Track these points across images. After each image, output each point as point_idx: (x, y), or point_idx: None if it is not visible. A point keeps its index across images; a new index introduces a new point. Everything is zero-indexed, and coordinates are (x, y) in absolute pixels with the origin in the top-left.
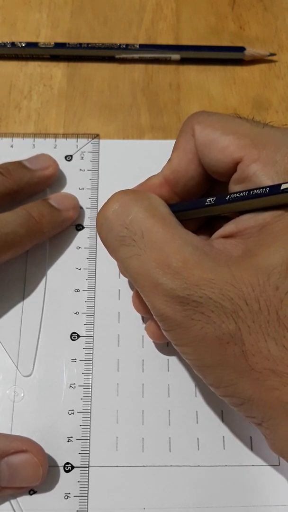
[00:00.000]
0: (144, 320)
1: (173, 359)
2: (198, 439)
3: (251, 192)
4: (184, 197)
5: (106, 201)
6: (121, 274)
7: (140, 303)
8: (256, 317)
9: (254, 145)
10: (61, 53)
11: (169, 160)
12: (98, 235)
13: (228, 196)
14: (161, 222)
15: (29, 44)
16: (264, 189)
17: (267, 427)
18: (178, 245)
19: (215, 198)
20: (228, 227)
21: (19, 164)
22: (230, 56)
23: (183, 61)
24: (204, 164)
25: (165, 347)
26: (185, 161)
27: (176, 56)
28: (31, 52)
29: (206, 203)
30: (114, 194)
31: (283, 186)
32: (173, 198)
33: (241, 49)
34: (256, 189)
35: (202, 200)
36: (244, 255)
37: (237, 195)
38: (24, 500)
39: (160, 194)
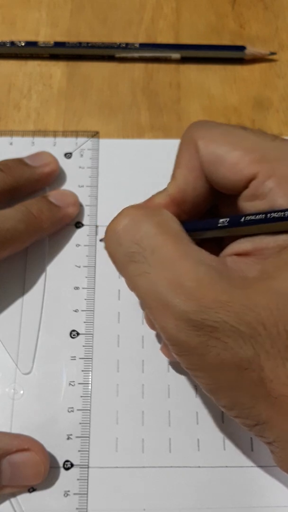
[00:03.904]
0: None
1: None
2: (198, 440)
3: (269, 215)
4: (191, 213)
5: (116, 215)
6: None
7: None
8: (275, 342)
9: (266, 160)
10: (60, 52)
11: (173, 177)
12: (106, 250)
13: (243, 218)
14: (172, 239)
15: (29, 43)
16: (283, 213)
17: (278, 447)
18: (191, 264)
19: (228, 219)
20: (244, 245)
21: (19, 161)
22: (231, 55)
23: (183, 60)
24: (211, 181)
25: None
26: (191, 179)
27: (176, 55)
28: (30, 51)
29: (219, 224)
30: (124, 208)
31: None
32: (180, 216)
33: (242, 48)
34: (273, 211)
35: (215, 220)
36: (261, 276)
37: (253, 217)
38: (24, 499)
39: None
